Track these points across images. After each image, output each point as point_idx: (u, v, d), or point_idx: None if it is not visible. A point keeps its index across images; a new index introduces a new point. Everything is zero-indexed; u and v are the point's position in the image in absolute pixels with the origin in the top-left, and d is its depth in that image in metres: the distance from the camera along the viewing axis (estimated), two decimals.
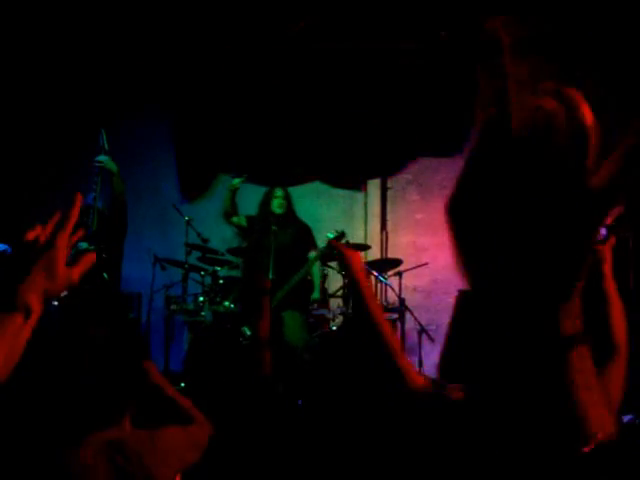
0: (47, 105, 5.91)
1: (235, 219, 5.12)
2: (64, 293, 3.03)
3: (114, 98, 5.93)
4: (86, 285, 1.09)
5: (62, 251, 1.02)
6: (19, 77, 5.75)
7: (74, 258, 1.05)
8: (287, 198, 5.02)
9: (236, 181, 4.99)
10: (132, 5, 5.06)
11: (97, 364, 1.54)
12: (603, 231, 4.50)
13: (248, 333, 4.35)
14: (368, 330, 1.46)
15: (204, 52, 5.82)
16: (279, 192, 4.99)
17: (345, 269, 1.85)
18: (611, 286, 1.52)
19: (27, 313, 0.97)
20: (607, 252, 1.56)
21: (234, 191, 5.01)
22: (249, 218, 5.11)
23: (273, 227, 4.77)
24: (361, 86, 5.90)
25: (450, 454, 1.10)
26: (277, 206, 4.94)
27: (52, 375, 1.52)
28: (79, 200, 1.07)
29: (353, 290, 1.81)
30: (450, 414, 1.15)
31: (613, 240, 1.61)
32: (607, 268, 1.54)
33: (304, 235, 5.04)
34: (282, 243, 4.78)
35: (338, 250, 1.91)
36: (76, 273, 1.03)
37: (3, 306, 0.96)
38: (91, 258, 1.06)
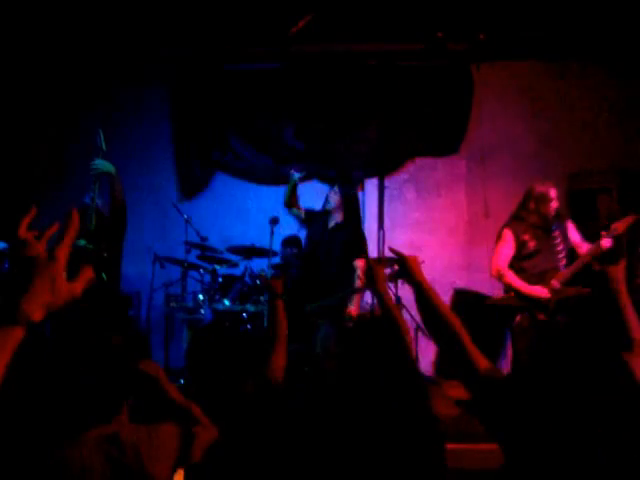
0: (47, 104, 5.93)
1: (295, 211, 4.91)
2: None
3: (113, 97, 5.96)
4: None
5: (63, 264, 1.03)
6: (19, 77, 5.78)
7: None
8: (340, 194, 4.66)
9: (295, 177, 4.80)
10: (133, 3, 5.08)
11: (96, 363, 1.55)
12: (608, 243, 4.40)
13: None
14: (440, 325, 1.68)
15: (204, 52, 5.85)
16: (335, 187, 4.71)
17: (407, 274, 1.92)
18: (625, 298, 1.93)
19: (29, 326, 0.98)
20: (620, 273, 1.98)
21: (294, 185, 4.83)
22: (308, 212, 4.88)
23: (329, 225, 4.63)
24: (359, 86, 5.92)
25: None
26: (328, 199, 4.69)
27: (50, 374, 1.53)
28: (75, 217, 1.07)
29: (417, 291, 1.86)
30: None
31: (624, 262, 2.03)
32: (622, 287, 1.96)
33: (354, 242, 4.55)
34: (331, 245, 4.57)
35: (399, 256, 1.97)
36: (78, 287, 1.04)
37: (5, 319, 0.97)
38: (90, 274, 1.07)
